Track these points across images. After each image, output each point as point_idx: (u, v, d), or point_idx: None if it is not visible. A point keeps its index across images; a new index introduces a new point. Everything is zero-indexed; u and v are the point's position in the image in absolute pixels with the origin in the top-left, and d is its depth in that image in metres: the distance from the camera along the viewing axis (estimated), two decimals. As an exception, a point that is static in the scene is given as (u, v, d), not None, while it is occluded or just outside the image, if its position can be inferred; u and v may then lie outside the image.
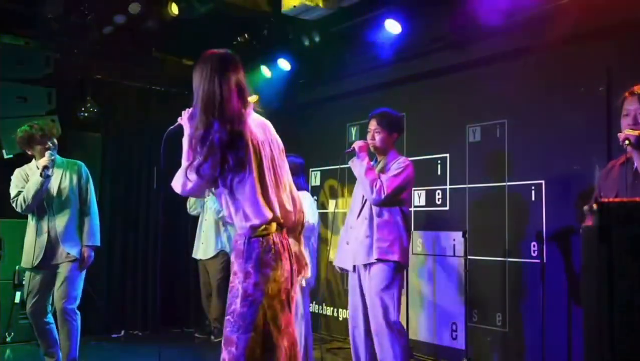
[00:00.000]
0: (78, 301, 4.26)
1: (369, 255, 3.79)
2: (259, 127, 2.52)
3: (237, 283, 2.37)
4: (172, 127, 2.60)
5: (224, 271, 6.12)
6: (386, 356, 3.73)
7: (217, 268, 6.10)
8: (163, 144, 2.56)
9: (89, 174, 4.44)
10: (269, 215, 2.41)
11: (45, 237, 4.18)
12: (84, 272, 4.29)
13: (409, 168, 3.85)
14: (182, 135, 2.54)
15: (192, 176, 2.39)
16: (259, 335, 2.34)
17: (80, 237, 4.27)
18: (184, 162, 2.44)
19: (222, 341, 2.38)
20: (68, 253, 4.19)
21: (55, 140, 4.27)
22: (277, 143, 2.56)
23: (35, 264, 4.15)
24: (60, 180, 4.27)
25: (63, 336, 4.21)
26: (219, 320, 6.08)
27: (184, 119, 2.54)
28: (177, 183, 2.47)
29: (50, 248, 4.19)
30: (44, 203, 4.21)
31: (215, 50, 2.55)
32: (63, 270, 4.19)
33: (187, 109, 2.55)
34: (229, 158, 2.35)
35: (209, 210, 6.15)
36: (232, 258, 2.45)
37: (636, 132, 2.62)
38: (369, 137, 3.95)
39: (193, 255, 6.22)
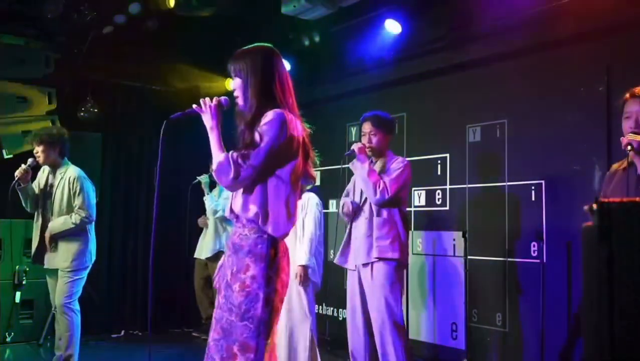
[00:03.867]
0: (73, 298, 4.26)
1: (369, 254, 3.81)
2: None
3: (255, 287, 2.29)
4: (188, 111, 2.48)
5: None
6: (389, 354, 3.74)
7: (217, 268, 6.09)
8: (163, 132, 2.45)
9: (82, 183, 4.33)
10: (295, 219, 2.42)
11: (38, 239, 4.33)
12: (79, 274, 4.29)
13: (408, 169, 3.91)
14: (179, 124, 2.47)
15: (251, 164, 2.30)
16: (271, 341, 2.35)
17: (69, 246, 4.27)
18: (233, 151, 2.34)
19: (227, 346, 2.29)
20: (58, 260, 4.27)
21: (40, 154, 4.30)
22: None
23: (33, 260, 4.41)
24: (57, 185, 4.33)
25: (62, 332, 4.25)
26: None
27: (212, 108, 2.43)
28: (226, 173, 2.31)
29: (43, 250, 4.32)
30: (41, 208, 4.35)
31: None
32: (57, 271, 4.29)
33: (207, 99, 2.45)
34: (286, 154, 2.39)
35: (207, 206, 6.16)
36: (247, 260, 2.33)
37: (639, 137, 2.59)
38: (364, 139, 3.98)
39: (196, 255, 6.24)
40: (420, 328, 5.25)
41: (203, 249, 6.14)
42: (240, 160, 2.29)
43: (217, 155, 2.36)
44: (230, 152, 2.34)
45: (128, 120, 6.57)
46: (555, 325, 4.19)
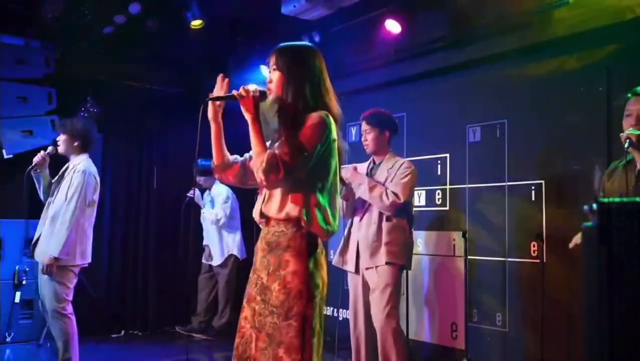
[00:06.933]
0: (64, 304, 4.05)
1: (377, 258, 3.82)
2: None
3: (297, 283, 2.21)
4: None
5: (234, 279, 6.09)
6: (390, 354, 3.76)
7: (226, 275, 6.07)
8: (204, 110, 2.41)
9: (84, 182, 4.10)
10: (336, 222, 2.35)
11: (36, 235, 4.20)
12: (66, 275, 4.06)
13: (414, 173, 3.95)
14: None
15: (298, 163, 2.24)
16: (318, 341, 2.25)
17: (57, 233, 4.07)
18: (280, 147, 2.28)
19: (273, 353, 2.17)
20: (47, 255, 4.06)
21: (61, 143, 4.22)
22: None
23: (31, 252, 4.21)
24: (65, 175, 4.26)
25: (57, 337, 4.11)
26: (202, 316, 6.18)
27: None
28: (276, 171, 2.21)
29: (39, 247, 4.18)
30: (51, 197, 4.22)
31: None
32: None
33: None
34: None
35: (207, 217, 6.18)
36: (286, 255, 2.26)
37: (638, 132, 2.61)
38: (363, 138, 4.04)
39: (204, 261, 6.26)
40: (420, 328, 5.25)
41: (212, 257, 6.18)
42: (288, 160, 2.21)
43: (262, 150, 2.26)
44: (274, 150, 2.26)
45: (128, 120, 6.57)
46: (555, 325, 4.18)
